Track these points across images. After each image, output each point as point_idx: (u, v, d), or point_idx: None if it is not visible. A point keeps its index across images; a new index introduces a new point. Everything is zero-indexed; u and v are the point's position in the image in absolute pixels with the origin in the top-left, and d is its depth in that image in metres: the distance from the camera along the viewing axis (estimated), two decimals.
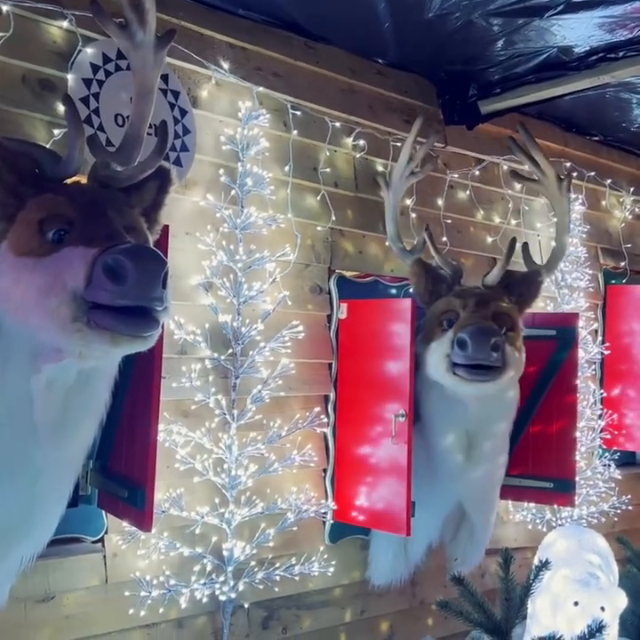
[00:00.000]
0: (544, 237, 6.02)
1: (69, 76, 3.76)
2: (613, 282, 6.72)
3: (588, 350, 6.08)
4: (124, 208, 2.93)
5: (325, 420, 4.67)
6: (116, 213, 2.83)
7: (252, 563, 4.22)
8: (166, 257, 2.76)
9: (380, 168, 5.13)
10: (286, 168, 4.58)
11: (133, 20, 3.16)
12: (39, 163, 2.93)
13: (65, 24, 3.76)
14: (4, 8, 3.58)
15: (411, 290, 4.82)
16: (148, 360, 3.23)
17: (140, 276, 2.52)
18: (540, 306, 5.62)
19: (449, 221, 5.46)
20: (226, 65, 4.32)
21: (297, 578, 4.37)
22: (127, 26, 3.17)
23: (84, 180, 3.04)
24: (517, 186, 5.86)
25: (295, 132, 4.62)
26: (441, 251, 4.92)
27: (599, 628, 3.56)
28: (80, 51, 3.80)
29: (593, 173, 6.45)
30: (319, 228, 4.79)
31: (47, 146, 3.37)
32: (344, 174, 4.95)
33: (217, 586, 4.10)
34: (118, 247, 2.57)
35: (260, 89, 4.47)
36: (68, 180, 2.99)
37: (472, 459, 4.66)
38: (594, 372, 6.34)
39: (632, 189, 6.88)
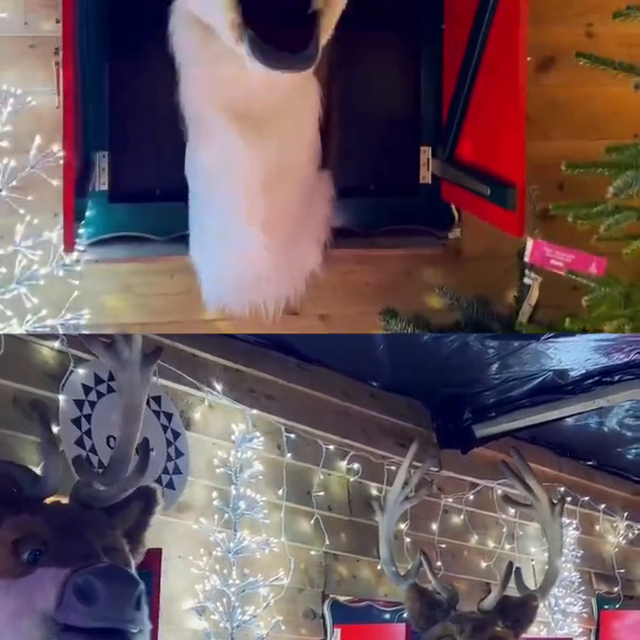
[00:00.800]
0: (538, 562, 5.92)
1: (61, 398, 3.70)
2: (606, 607, 6.60)
3: None
4: (104, 528, 2.83)
5: None
6: (94, 534, 2.73)
7: None
8: (160, 581, 2.66)
9: (374, 492, 5.07)
10: (280, 491, 4.50)
11: (119, 337, 3.19)
12: (18, 482, 2.85)
13: (56, 344, 3.75)
14: None
15: (405, 614, 4.72)
16: None
17: (111, 597, 2.40)
18: (534, 631, 5.34)
19: (443, 546, 5.37)
20: (219, 386, 4.31)
21: None
22: (113, 344, 3.18)
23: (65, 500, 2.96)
24: (511, 510, 5.79)
25: (289, 454, 4.59)
26: (436, 575, 4.82)
27: None
28: (72, 371, 3.76)
29: (587, 498, 6.42)
30: (313, 553, 4.69)
31: (38, 468, 3.24)
32: (338, 498, 4.91)
33: None
34: (90, 567, 2.48)
35: (254, 411, 4.45)
36: (48, 500, 2.91)
37: None
38: None
39: (626, 514, 6.83)
